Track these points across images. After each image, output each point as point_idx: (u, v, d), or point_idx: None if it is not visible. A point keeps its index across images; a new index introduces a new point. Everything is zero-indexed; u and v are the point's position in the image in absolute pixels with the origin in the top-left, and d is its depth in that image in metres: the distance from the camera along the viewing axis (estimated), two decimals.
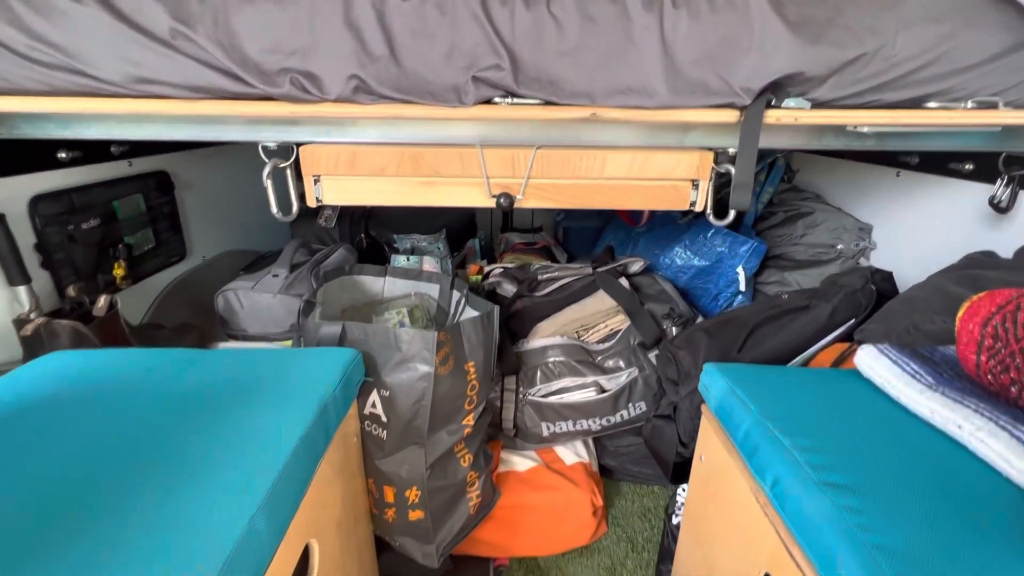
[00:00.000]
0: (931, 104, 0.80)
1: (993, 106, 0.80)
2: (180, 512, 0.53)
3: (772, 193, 1.75)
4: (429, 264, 1.48)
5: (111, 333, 1.02)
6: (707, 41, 0.76)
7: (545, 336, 1.25)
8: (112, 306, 1.04)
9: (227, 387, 0.76)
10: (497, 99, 0.80)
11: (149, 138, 0.86)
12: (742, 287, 1.38)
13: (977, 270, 1.02)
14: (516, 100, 0.80)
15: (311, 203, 0.89)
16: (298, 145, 0.89)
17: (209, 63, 0.75)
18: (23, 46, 0.75)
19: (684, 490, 1.16)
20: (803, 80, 0.77)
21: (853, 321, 1.07)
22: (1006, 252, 1.02)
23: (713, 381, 0.83)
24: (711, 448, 0.85)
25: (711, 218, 0.95)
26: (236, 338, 1.37)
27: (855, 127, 0.82)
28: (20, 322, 0.94)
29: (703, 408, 0.89)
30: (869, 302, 1.07)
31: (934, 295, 0.99)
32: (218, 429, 0.66)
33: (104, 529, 0.51)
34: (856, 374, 0.82)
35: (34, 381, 0.78)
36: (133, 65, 0.74)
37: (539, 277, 1.33)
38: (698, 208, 0.91)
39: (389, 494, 0.97)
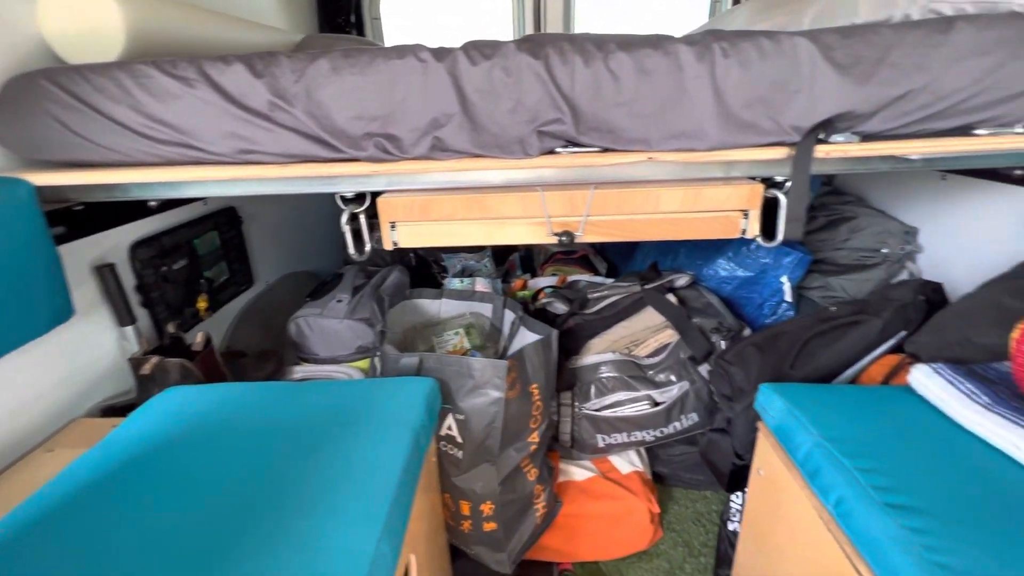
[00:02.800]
0: (980, 131, 0.83)
1: None
2: (319, 537, 0.62)
3: (812, 198, 1.76)
4: (482, 285, 1.56)
5: (209, 366, 1.13)
6: (757, 86, 0.80)
7: (597, 352, 1.32)
8: (208, 342, 1.15)
9: (330, 418, 0.85)
10: (559, 149, 0.87)
11: (242, 193, 0.96)
12: (787, 297, 1.41)
13: None
14: (576, 149, 0.86)
15: (388, 247, 0.98)
16: (373, 194, 0.98)
17: (304, 132, 0.84)
18: (141, 126, 0.85)
19: (737, 497, 1.21)
20: (852, 117, 0.81)
21: (904, 333, 1.10)
22: None
23: (770, 402, 0.88)
24: (770, 465, 0.90)
25: (760, 240, 1.00)
26: (308, 361, 1.48)
27: (904, 156, 0.85)
28: (136, 361, 1.06)
29: (760, 425, 0.94)
30: (919, 315, 1.10)
31: (987, 307, 1.01)
32: (334, 459, 0.75)
33: (255, 554, 0.60)
34: (910, 391, 0.86)
35: (161, 417, 0.89)
36: (238, 139, 0.84)
37: (589, 296, 1.39)
38: (748, 235, 0.96)
39: (465, 508, 1.06)
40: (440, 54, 0.81)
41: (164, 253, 1.30)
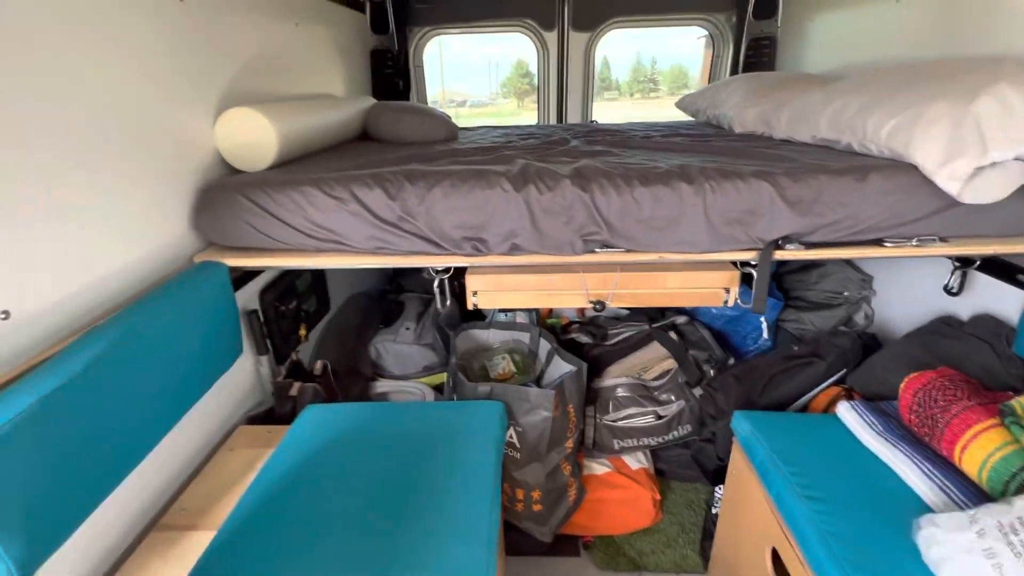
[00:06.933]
0: (888, 243, 1.20)
1: (932, 243, 1.19)
2: (442, 525, 1.01)
3: None
4: (521, 317, 1.94)
5: (327, 387, 1.52)
6: (735, 212, 1.18)
7: (615, 376, 1.70)
8: (325, 368, 1.53)
9: (434, 432, 1.23)
10: (596, 249, 1.25)
11: (371, 267, 1.33)
12: (765, 335, 1.79)
13: (937, 336, 1.41)
14: (608, 249, 1.24)
15: (470, 307, 1.36)
16: (458, 269, 1.35)
17: (422, 236, 1.22)
18: (308, 229, 1.23)
19: (720, 489, 1.60)
20: (799, 235, 1.18)
21: (844, 371, 1.48)
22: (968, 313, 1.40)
23: (741, 425, 1.27)
24: (738, 467, 1.29)
25: (740, 303, 1.37)
26: (385, 377, 1.87)
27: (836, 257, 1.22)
28: (282, 385, 1.44)
29: (734, 439, 1.33)
30: (856, 358, 1.48)
31: (902, 356, 1.39)
32: (447, 462, 1.14)
33: (389, 540, 0.99)
34: (837, 419, 1.24)
35: (312, 429, 1.28)
36: (376, 240, 1.22)
37: (608, 331, 1.77)
38: (729, 305, 1.33)
39: (520, 494, 1.45)
40: (517, 184, 1.18)
41: (279, 295, 1.68)
